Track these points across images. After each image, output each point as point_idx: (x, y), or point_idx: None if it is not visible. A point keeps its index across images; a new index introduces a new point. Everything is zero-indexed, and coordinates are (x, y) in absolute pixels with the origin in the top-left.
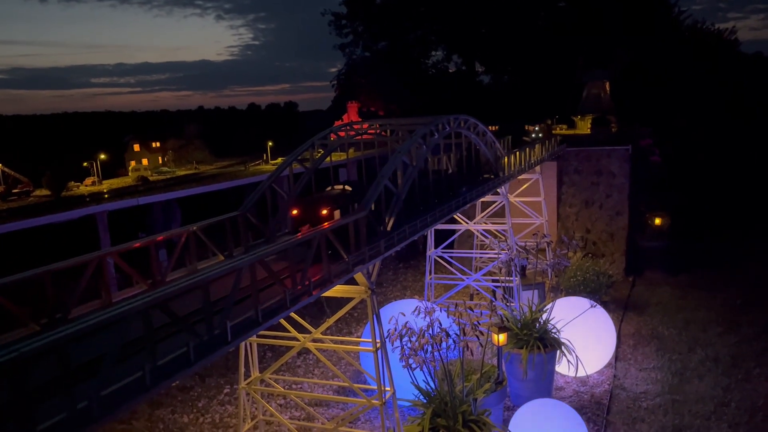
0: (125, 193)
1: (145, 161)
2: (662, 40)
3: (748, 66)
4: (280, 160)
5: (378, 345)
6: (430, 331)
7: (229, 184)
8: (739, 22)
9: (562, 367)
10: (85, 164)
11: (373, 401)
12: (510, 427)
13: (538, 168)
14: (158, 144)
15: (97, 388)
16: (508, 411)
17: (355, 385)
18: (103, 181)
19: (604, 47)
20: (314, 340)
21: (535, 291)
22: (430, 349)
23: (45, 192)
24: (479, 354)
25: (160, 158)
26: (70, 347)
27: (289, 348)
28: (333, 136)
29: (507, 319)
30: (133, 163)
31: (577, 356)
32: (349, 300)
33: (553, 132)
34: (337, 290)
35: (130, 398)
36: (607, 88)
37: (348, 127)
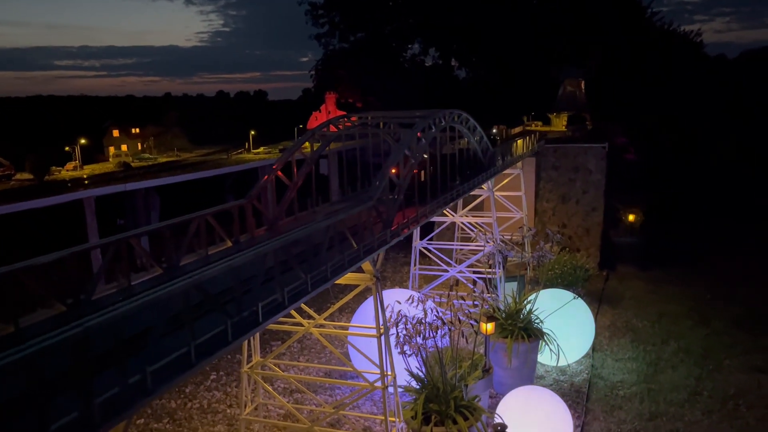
0: (111, 178)
1: (124, 147)
2: (635, 40)
3: (711, 68)
4: (262, 149)
5: (382, 331)
6: (426, 319)
7: (217, 171)
8: (704, 25)
9: (544, 357)
10: (67, 149)
11: (376, 385)
12: (498, 412)
13: (519, 163)
14: (138, 130)
15: (148, 363)
16: (492, 399)
17: (357, 369)
18: (84, 167)
19: (580, 45)
20: (317, 326)
21: (516, 283)
22: (425, 336)
23: (27, 176)
24: (464, 343)
25: (139, 144)
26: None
27: (290, 335)
28: (333, 128)
29: (495, 309)
30: (112, 149)
31: (558, 346)
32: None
33: (530, 129)
34: (344, 278)
35: (178, 374)
36: (582, 87)
37: (345, 119)
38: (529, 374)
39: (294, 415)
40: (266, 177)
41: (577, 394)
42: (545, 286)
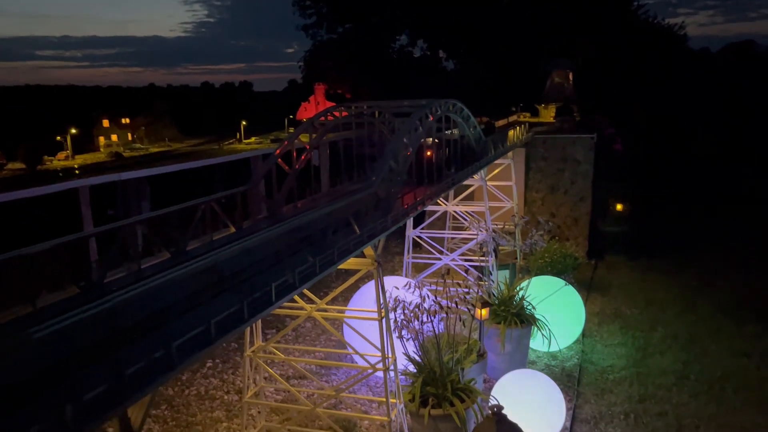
0: (104, 168)
1: (114, 137)
2: (622, 33)
3: (695, 62)
4: (253, 139)
5: (383, 314)
6: (424, 305)
7: (214, 161)
8: (688, 18)
9: (535, 343)
10: (59, 138)
11: (378, 367)
12: (493, 395)
13: (510, 153)
14: (127, 120)
15: (171, 338)
16: (485, 383)
17: (360, 352)
18: (76, 156)
19: (569, 37)
20: (319, 311)
21: (507, 271)
22: (422, 321)
23: (19, 165)
24: (459, 328)
25: (129, 134)
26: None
27: (286, 323)
28: (330, 117)
29: (489, 296)
30: (102, 138)
31: (550, 331)
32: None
33: (517, 120)
34: (347, 263)
35: (199, 349)
36: (570, 78)
37: (342, 108)
38: (521, 359)
39: (296, 398)
40: (260, 165)
41: (568, 378)
42: (536, 274)
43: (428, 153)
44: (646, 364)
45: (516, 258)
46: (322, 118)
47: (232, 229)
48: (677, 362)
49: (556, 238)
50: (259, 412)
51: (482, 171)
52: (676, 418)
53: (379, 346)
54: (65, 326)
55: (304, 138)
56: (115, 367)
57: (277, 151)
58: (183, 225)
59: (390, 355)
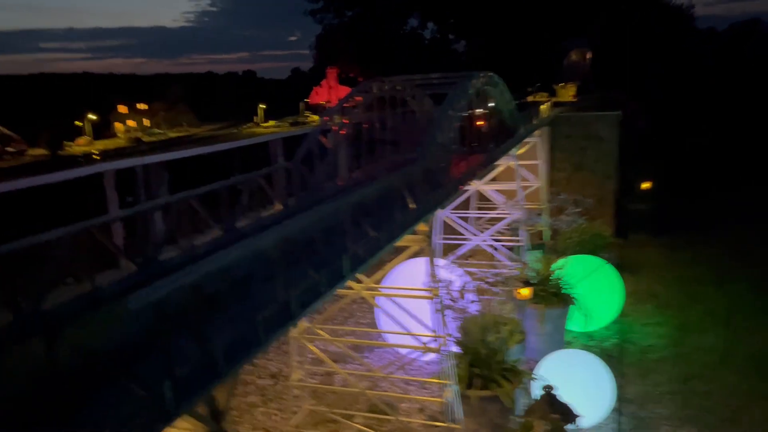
0: (130, 152)
1: (131, 123)
2: (636, 10)
3: (703, 40)
4: (272, 123)
5: (436, 293)
6: (468, 285)
7: (238, 143)
8: None
9: (571, 323)
10: (78, 123)
11: (430, 347)
12: (538, 374)
13: (538, 131)
14: (145, 106)
15: (254, 312)
16: (524, 365)
17: (412, 332)
18: (95, 142)
19: (585, 14)
20: (367, 290)
21: (539, 251)
22: (470, 300)
23: (41, 151)
24: (496, 309)
25: (145, 120)
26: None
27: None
28: (358, 98)
29: (530, 275)
30: (118, 124)
31: (587, 311)
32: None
33: (535, 99)
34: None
35: (282, 324)
36: (588, 57)
37: (373, 87)
38: (559, 340)
39: (344, 379)
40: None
41: (608, 359)
42: (571, 253)
43: (477, 123)
44: (686, 343)
45: (541, 238)
46: (355, 97)
47: (279, 206)
48: (719, 340)
49: (584, 217)
50: (296, 396)
51: (514, 148)
52: (725, 397)
53: (429, 325)
54: (158, 298)
55: (314, 118)
56: (206, 342)
57: (334, 131)
58: (229, 203)
59: (443, 335)
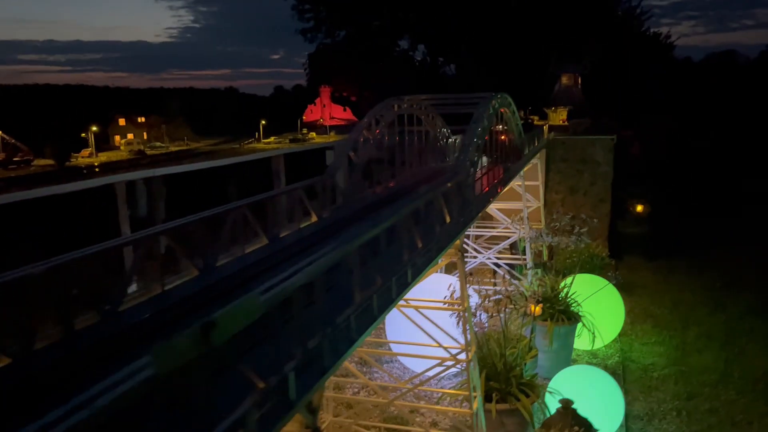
0: (134, 165)
1: (130, 136)
2: (626, 38)
3: (681, 70)
4: (272, 139)
5: (466, 305)
6: (485, 301)
7: (243, 158)
8: (673, 28)
9: (577, 341)
10: (83, 135)
11: (459, 358)
12: (553, 389)
13: (539, 154)
14: (143, 119)
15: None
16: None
17: (440, 344)
18: (99, 154)
19: (577, 41)
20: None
21: (540, 269)
22: (490, 315)
23: (46, 162)
24: (511, 325)
25: (144, 133)
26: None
27: None
28: (378, 115)
29: (537, 292)
30: (118, 137)
31: (595, 329)
32: None
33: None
34: None
35: (385, 307)
36: (579, 82)
37: (398, 104)
38: (566, 357)
39: (372, 390)
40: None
41: (613, 376)
42: (568, 273)
43: (502, 137)
44: (687, 363)
45: (541, 257)
46: (375, 115)
47: (314, 218)
48: (718, 360)
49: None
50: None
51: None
52: (728, 414)
53: (455, 337)
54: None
55: (313, 135)
56: (310, 338)
57: (360, 145)
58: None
59: (470, 347)
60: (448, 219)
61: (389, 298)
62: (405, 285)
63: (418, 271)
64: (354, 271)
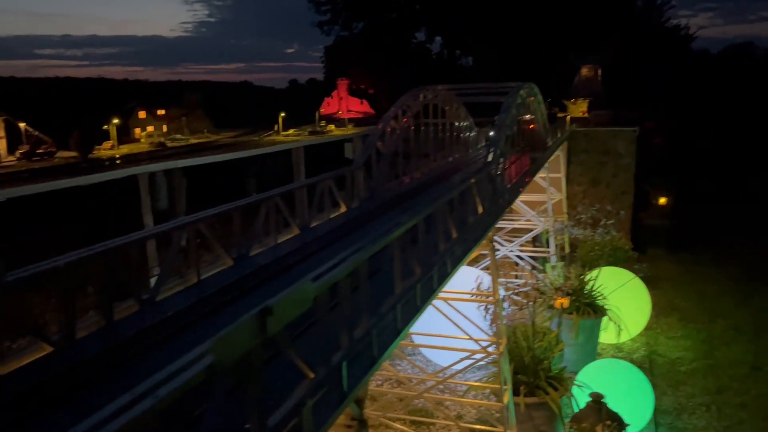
0: (151, 157)
1: (150, 128)
2: (646, 29)
3: (699, 62)
4: (292, 131)
5: (497, 297)
6: (510, 294)
7: (264, 150)
8: (690, 20)
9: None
10: (105, 127)
11: (490, 351)
12: (580, 382)
13: (561, 146)
14: (163, 112)
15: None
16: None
17: (459, 336)
18: (120, 146)
19: (597, 32)
20: None
21: (563, 262)
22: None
23: (70, 153)
24: (527, 318)
25: (164, 126)
26: None
27: None
28: (405, 105)
29: (568, 284)
30: (138, 130)
31: (619, 322)
32: None
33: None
34: None
35: (427, 297)
36: (599, 73)
37: (424, 94)
38: (591, 350)
39: (402, 382)
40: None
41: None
42: (593, 266)
43: (531, 126)
44: (714, 356)
45: (564, 249)
46: (403, 105)
47: (343, 209)
48: (747, 354)
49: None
50: None
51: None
52: (759, 409)
53: (486, 330)
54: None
55: (331, 128)
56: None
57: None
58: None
59: (503, 339)
60: (480, 209)
61: (431, 288)
62: (445, 275)
63: (457, 261)
64: (393, 260)
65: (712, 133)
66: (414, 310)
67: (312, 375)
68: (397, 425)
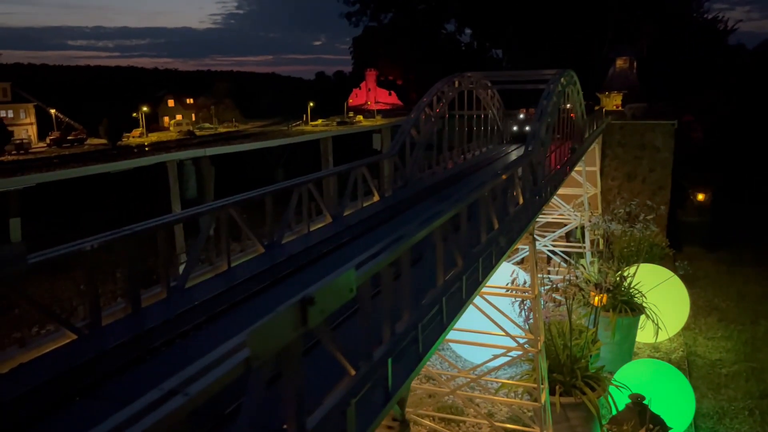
0: (180, 145)
1: (179, 116)
2: (684, 21)
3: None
4: (320, 122)
5: (536, 292)
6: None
7: (292, 140)
8: (727, 14)
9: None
10: (134, 114)
11: (528, 348)
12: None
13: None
14: (192, 101)
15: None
16: None
17: (508, 333)
18: (149, 134)
19: (632, 23)
20: None
21: (597, 258)
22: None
23: (99, 140)
24: (561, 316)
25: (193, 115)
26: None
27: None
28: (440, 92)
29: (607, 281)
30: (167, 118)
31: (659, 321)
32: None
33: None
34: None
35: (472, 291)
36: (634, 66)
37: (459, 80)
38: (628, 349)
39: (433, 378)
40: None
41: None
42: (628, 262)
43: (572, 115)
44: (758, 359)
45: (598, 245)
46: (436, 92)
47: (376, 197)
48: None
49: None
50: None
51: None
52: None
53: (522, 326)
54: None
55: (359, 118)
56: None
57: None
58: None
59: (541, 337)
60: (521, 200)
61: (476, 281)
62: (490, 267)
63: (501, 253)
64: (435, 250)
65: (749, 130)
66: (459, 304)
67: (353, 372)
68: (427, 422)
